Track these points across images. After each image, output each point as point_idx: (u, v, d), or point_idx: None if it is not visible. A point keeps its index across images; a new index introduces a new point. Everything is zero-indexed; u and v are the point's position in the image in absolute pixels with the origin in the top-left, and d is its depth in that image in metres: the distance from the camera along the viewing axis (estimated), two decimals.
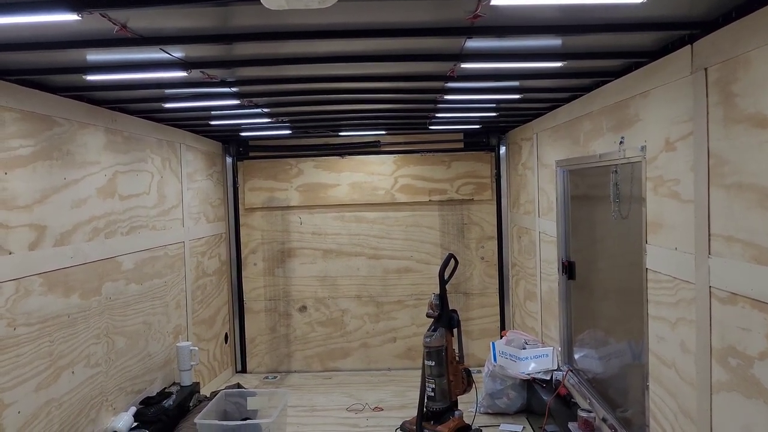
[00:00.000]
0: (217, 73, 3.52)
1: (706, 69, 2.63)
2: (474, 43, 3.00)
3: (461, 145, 7.12)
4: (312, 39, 2.83)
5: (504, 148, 7.08)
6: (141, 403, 4.73)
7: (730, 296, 2.49)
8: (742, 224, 2.38)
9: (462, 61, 3.23)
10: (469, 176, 7.15)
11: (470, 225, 7.22)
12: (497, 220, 7.17)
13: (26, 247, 3.39)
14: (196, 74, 3.38)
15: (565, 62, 3.25)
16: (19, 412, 3.30)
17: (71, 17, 2.26)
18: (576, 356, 5.02)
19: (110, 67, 3.29)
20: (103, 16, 2.36)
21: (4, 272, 3.20)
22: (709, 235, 2.64)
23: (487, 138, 7.08)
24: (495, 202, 7.17)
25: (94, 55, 3.10)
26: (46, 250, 3.58)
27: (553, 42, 3.09)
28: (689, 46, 2.77)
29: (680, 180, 2.90)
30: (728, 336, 2.51)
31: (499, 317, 7.25)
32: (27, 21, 2.40)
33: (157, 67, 3.27)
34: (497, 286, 7.21)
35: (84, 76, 3.28)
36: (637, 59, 3.34)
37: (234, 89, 3.99)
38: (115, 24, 2.45)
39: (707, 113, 2.62)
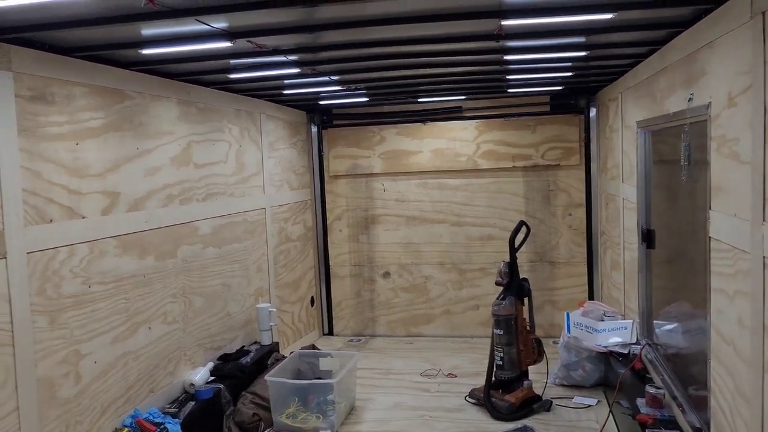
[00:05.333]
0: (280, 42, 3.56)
1: (764, 12, 2.33)
2: None
3: (547, 108, 6.81)
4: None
5: (594, 110, 6.69)
6: (219, 359, 5.04)
7: None
8: None
9: (503, 18, 3.07)
10: (556, 140, 6.84)
11: (556, 191, 6.93)
12: (586, 186, 6.82)
13: (99, 212, 3.68)
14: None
15: (615, 14, 2.99)
16: (95, 362, 3.64)
17: None
18: (656, 330, 4.72)
19: (163, 41, 3.41)
20: None
21: (78, 235, 3.50)
22: (765, 199, 2.37)
23: (575, 100, 6.71)
24: (584, 168, 6.81)
25: (147, 30, 3.24)
26: (120, 215, 3.86)
27: None
28: None
29: (740, 139, 2.62)
30: None
31: (587, 287, 6.95)
32: None
33: (201, 39, 3.34)
34: (585, 255, 6.91)
35: (139, 51, 3.46)
36: (705, 5, 3.01)
37: (292, 57, 4.03)
38: None
39: (764, 62, 2.33)
